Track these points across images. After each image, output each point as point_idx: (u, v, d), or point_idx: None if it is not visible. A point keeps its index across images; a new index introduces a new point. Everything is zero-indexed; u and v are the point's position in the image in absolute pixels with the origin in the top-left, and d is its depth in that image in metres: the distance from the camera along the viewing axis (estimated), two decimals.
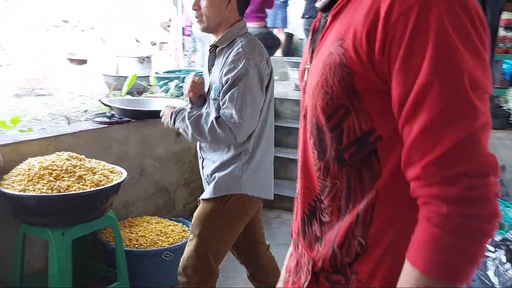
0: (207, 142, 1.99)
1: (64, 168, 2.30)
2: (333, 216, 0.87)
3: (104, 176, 2.37)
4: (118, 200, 2.96)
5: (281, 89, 5.75)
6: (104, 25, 9.03)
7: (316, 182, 0.89)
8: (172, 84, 4.34)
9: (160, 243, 2.77)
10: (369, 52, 0.74)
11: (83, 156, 2.50)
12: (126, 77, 5.25)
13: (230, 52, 1.92)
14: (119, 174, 2.46)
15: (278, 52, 7.61)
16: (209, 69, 2.10)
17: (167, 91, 4.43)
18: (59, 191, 2.18)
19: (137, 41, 9.82)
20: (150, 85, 5.35)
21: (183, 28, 7.47)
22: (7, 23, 8.28)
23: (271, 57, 5.69)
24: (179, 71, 4.96)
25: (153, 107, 3.43)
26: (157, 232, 2.84)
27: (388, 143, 0.78)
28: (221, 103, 1.92)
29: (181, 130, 2.00)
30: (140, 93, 5.54)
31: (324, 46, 0.85)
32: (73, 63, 8.33)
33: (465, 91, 0.68)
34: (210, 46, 2.05)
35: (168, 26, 8.47)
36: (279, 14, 7.23)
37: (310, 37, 0.95)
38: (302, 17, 5.56)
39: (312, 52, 0.91)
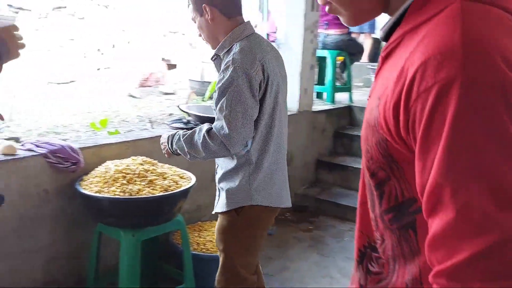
0: (203, 158, 1.94)
1: (137, 172, 2.42)
2: (384, 269, 0.80)
3: (174, 181, 2.46)
4: (191, 203, 3.06)
5: (362, 96, 5.60)
6: (193, 31, 9.39)
7: (372, 228, 0.82)
8: None
9: None
10: (396, 128, 0.66)
11: (156, 161, 2.61)
12: (209, 83, 5.42)
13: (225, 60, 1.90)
14: (188, 180, 2.54)
15: (365, 58, 7.42)
16: None
17: None
18: (131, 194, 2.30)
19: None
20: None
21: (267, 34, 7.55)
22: (109, 28, 8.92)
23: (355, 63, 5.59)
24: None
25: None
26: None
27: None
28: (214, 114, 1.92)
29: (179, 152, 1.97)
30: None
31: (374, 94, 0.75)
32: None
33: (482, 202, 0.56)
34: (212, 55, 2.02)
35: None
36: None
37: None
38: None
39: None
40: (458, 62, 0.58)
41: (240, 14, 1.97)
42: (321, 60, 5.04)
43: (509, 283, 0.57)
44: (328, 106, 4.79)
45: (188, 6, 1.99)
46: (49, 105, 6.76)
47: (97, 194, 2.28)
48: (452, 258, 0.58)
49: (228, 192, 1.97)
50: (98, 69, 8.52)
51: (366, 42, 7.54)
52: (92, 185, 2.35)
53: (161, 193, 2.35)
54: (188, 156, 1.95)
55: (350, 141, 4.60)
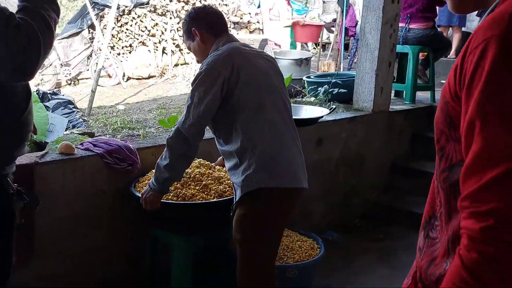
0: (173, 161, 2.03)
1: (192, 175, 2.33)
2: (439, 234, 0.91)
3: (230, 186, 2.34)
4: None
5: None
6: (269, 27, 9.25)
7: (436, 200, 0.94)
8: (321, 90, 4.19)
9: (285, 259, 2.65)
10: (454, 85, 0.79)
11: (213, 164, 2.51)
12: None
13: None
14: None
15: (452, 53, 6.88)
16: None
17: (316, 95, 4.30)
18: (184, 199, 2.21)
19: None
20: (304, 88, 5.28)
21: (346, 29, 7.24)
22: None
23: (441, 59, 5.16)
24: (332, 75, 4.77)
25: (298, 115, 3.34)
26: (284, 247, 2.73)
27: None
28: None
29: (160, 182, 2.06)
30: (294, 95, 5.51)
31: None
32: None
33: (503, 131, 0.68)
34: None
35: (332, 27, 8.31)
36: None
37: None
38: (479, 15, 4.88)
39: None
40: (502, 25, 0.71)
41: (226, 31, 2.19)
42: (402, 56, 4.69)
43: None
44: (407, 106, 4.44)
45: (183, 38, 2.23)
46: (126, 100, 6.98)
47: None
48: (477, 183, 0.70)
49: (237, 183, 2.00)
50: (176, 65, 8.69)
51: (455, 36, 6.98)
52: None
53: (215, 199, 2.24)
54: (167, 175, 2.04)
55: (430, 144, 4.20)
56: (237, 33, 9.26)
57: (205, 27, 2.14)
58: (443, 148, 0.87)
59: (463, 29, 7.03)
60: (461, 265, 0.71)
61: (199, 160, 2.49)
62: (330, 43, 8.64)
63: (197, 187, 2.29)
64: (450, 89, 0.80)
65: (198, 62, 2.24)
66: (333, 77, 4.39)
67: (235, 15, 9.31)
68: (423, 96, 4.75)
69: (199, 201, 2.21)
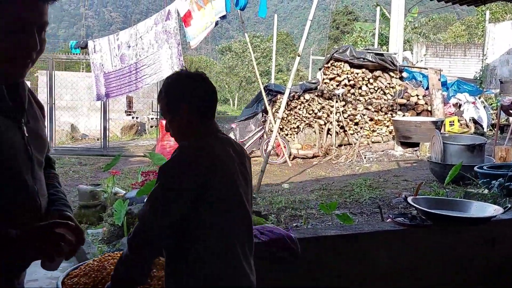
0: None
1: None
2: None
3: None
4: None
5: None
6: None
7: None
8: (496, 183, 3.87)
9: None
10: None
11: None
12: (452, 166, 5.01)
13: None
14: None
15: None
16: None
17: (490, 188, 3.98)
18: None
19: (475, 122, 9.31)
20: (477, 178, 4.94)
21: None
22: (355, 106, 9.22)
23: None
24: (508, 166, 4.39)
25: (467, 212, 3.15)
26: None
27: None
28: None
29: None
30: (465, 184, 5.19)
31: None
32: (404, 146, 8.52)
33: None
34: None
35: (511, 109, 7.70)
36: None
37: None
38: None
39: None
40: None
41: None
42: None
43: None
44: None
45: None
46: (291, 179, 7.31)
47: None
48: None
49: None
50: (340, 146, 8.88)
51: None
52: None
53: None
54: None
55: None
56: (404, 115, 9.15)
57: None
58: None
59: None
60: None
61: None
62: (509, 125, 7.97)
63: None
64: None
65: None
66: (510, 169, 4.04)
67: (402, 97, 9.27)
68: None
69: None
